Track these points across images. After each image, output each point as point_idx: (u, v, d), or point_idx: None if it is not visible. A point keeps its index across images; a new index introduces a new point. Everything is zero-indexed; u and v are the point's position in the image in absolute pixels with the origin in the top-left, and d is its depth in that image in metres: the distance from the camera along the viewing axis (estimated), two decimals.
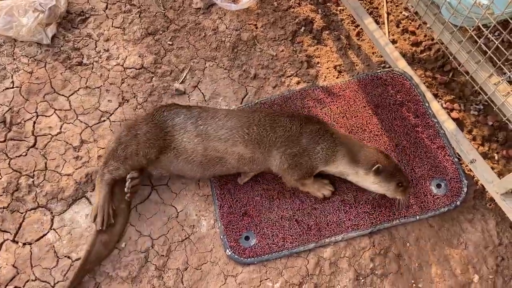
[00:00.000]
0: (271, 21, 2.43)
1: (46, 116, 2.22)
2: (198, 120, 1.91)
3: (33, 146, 2.15)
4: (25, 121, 2.20)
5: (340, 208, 1.98)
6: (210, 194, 2.06)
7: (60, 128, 2.19)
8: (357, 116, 2.14)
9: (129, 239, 1.98)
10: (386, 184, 1.87)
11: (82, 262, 1.86)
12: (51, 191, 2.05)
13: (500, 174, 2.07)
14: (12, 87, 2.28)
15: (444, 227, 2.00)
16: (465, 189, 1.98)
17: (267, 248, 1.92)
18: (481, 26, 1.68)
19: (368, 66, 2.34)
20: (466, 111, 2.24)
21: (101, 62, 2.34)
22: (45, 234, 1.98)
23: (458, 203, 1.97)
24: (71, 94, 2.27)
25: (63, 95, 2.27)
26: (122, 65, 2.33)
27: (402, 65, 2.18)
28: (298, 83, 2.28)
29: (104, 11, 2.50)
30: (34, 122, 2.20)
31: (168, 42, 2.39)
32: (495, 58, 1.76)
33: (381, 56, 2.35)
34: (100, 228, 1.90)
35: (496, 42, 1.62)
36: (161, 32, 2.42)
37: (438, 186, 2.00)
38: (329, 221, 1.96)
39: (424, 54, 2.39)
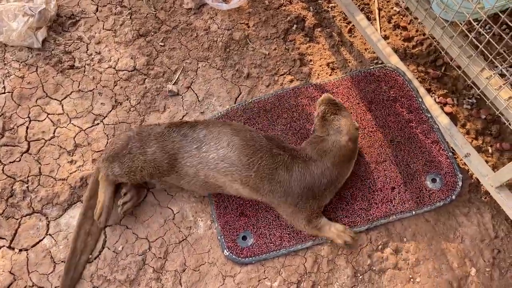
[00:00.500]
0: (263, 20, 2.43)
1: (39, 120, 2.21)
2: (202, 146, 1.87)
3: (27, 151, 2.14)
4: (17, 127, 2.19)
5: (337, 205, 1.98)
6: (206, 195, 2.05)
7: (54, 133, 2.18)
8: (351, 113, 2.14)
9: (126, 242, 1.98)
10: None
11: (69, 254, 1.89)
12: (46, 196, 2.04)
13: (495, 167, 2.08)
14: (4, 93, 2.27)
15: (440, 222, 2.01)
16: (460, 183, 1.99)
17: (264, 248, 1.92)
18: (472, 21, 1.69)
19: (360, 62, 2.34)
20: (459, 105, 2.25)
21: (93, 65, 2.33)
22: (41, 240, 1.97)
23: (453, 197, 1.97)
24: (64, 98, 2.26)
25: (55, 99, 2.25)
26: (114, 68, 2.31)
27: (394, 61, 2.18)
28: (291, 81, 2.27)
29: (95, 13, 2.48)
30: (27, 127, 2.19)
31: (160, 43, 2.38)
32: (486, 52, 1.76)
33: (374, 52, 2.35)
34: (103, 226, 1.95)
35: (487, 36, 1.62)
36: (152, 33, 2.41)
37: (433, 180, 2.01)
38: (326, 218, 1.96)
39: (416, 49, 2.39)
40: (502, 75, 2.04)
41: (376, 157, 2.05)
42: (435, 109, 2.06)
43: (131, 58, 2.33)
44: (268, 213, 1.98)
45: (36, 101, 2.25)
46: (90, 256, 1.95)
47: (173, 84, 2.28)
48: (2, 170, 2.08)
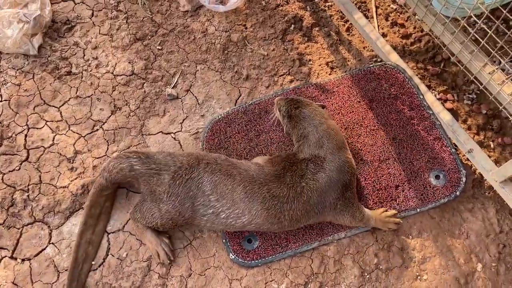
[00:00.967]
0: (260, 21, 2.42)
1: (37, 128, 2.18)
2: (220, 212, 1.81)
3: (26, 159, 2.11)
4: (16, 135, 2.16)
5: None
6: None
7: (53, 140, 2.16)
8: (353, 111, 2.14)
9: (130, 248, 1.95)
10: None
11: (72, 263, 1.87)
12: (47, 205, 2.01)
13: (497, 162, 2.08)
14: (1, 101, 2.24)
15: (445, 218, 2.00)
16: (464, 179, 1.99)
17: (270, 250, 1.91)
18: (473, 16, 1.69)
19: (360, 61, 2.34)
20: (460, 101, 2.25)
21: (90, 71, 2.30)
22: (44, 249, 1.95)
23: (457, 193, 1.97)
24: (62, 105, 2.23)
25: (53, 106, 2.23)
26: (112, 73, 2.29)
27: (394, 58, 2.18)
28: (291, 81, 2.26)
29: (90, 18, 2.46)
30: (26, 135, 2.16)
31: (158, 47, 2.36)
32: (488, 48, 1.76)
33: (372, 51, 2.35)
34: (170, 261, 1.92)
35: (490, 32, 1.62)
36: (149, 37, 2.39)
37: (437, 177, 2.00)
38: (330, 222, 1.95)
39: (415, 46, 2.39)
40: (504, 70, 2.04)
41: (379, 155, 2.05)
42: (436, 105, 2.06)
43: (129, 62, 2.31)
44: None
45: (34, 109, 2.22)
46: (93, 263, 1.93)
47: (172, 88, 2.26)
48: (2, 179, 2.06)
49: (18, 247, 1.95)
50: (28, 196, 2.03)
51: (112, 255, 1.95)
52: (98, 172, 2.08)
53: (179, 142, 2.15)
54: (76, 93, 2.26)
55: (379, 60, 2.31)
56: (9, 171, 2.08)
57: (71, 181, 2.06)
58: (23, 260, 1.93)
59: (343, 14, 2.45)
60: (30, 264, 1.92)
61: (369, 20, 2.36)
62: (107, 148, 2.15)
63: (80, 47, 2.37)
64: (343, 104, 2.15)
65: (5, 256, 1.93)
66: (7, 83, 2.27)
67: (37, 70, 2.30)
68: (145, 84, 2.27)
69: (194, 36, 2.38)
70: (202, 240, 1.97)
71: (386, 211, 1.94)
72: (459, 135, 2.00)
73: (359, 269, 1.90)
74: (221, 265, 1.93)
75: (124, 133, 2.18)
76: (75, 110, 2.22)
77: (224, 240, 1.95)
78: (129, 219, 2.00)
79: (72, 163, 2.11)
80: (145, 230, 1.91)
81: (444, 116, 2.03)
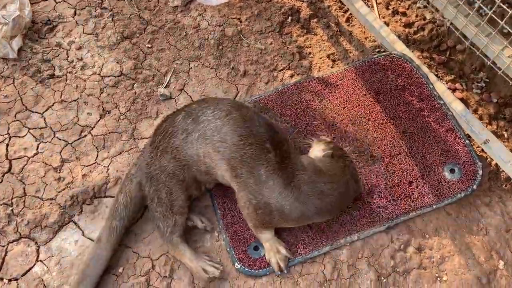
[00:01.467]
0: (255, 13, 2.28)
1: (19, 136, 2.01)
2: (200, 116, 1.71)
3: (8, 171, 1.94)
4: None
5: (353, 205, 1.84)
6: (211, 205, 1.89)
7: (37, 149, 1.99)
8: (359, 105, 2.01)
9: (127, 262, 1.80)
10: None
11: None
12: (33, 219, 1.84)
13: None
14: None
15: (461, 214, 1.88)
16: (481, 172, 1.87)
17: None
18: None
19: (362, 52, 2.21)
20: (469, 90, 2.14)
21: (75, 73, 2.14)
22: (32, 267, 1.78)
23: (474, 187, 1.85)
24: (45, 110, 2.07)
25: (36, 112, 2.06)
26: (99, 74, 2.13)
27: (400, 47, 2.06)
28: (291, 76, 2.13)
29: (73, 17, 2.30)
30: (7, 145, 1.99)
31: (147, 45, 2.21)
32: (508, 29, 1.64)
33: (375, 41, 2.23)
34: (220, 270, 1.76)
35: (510, 11, 1.51)
36: (138, 35, 2.24)
37: (452, 171, 1.88)
38: (342, 221, 1.82)
39: (418, 35, 2.28)
40: None
41: (390, 150, 1.92)
42: (447, 95, 1.94)
43: (117, 62, 2.16)
44: None
45: (15, 116, 2.05)
46: None
47: (164, 88, 2.11)
48: None
49: (4, 266, 1.78)
50: (12, 210, 1.86)
51: (107, 271, 1.79)
52: (88, 181, 1.93)
53: None
54: (60, 97, 2.09)
55: (383, 50, 2.19)
56: None
57: (59, 192, 1.90)
58: (9, 280, 1.76)
59: (342, 4, 2.33)
60: (18, 284, 1.75)
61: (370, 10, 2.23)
62: (97, 155, 1.99)
63: (63, 48, 2.21)
64: (348, 97, 2.03)
65: None
66: None
67: (17, 74, 2.13)
68: (135, 84, 2.12)
69: (185, 32, 2.24)
70: (204, 250, 1.82)
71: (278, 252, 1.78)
72: (473, 126, 1.88)
73: (375, 273, 1.77)
74: (226, 276, 1.78)
75: (114, 138, 2.02)
76: (60, 115, 2.05)
77: (228, 249, 1.80)
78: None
79: (59, 172, 1.94)
80: (182, 248, 1.76)
81: (456, 106, 1.92)
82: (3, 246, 1.81)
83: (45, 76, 2.13)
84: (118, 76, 2.13)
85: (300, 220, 1.71)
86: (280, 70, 2.15)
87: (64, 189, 1.91)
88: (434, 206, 1.84)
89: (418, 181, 1.87)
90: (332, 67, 2.16)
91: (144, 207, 1.85)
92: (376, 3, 2.36)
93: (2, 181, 1.91)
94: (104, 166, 1.97)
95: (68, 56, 2.18)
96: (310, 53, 2.19)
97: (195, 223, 1.84)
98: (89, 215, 1.87)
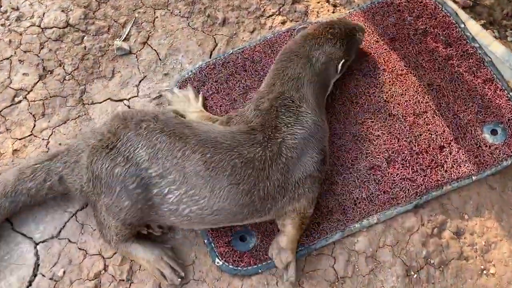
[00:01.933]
0: None
1: None
2: (168, 195, 1.21)
3: None
4: None
5: (369, 177, 1.40)
6: None
7: None
8: (370, 54, 1.58)
9: (70, 262, 1.34)
10: None
11: None
12: None
13: None
14: None
15: (508, 187, 1.46)
16: None
17: None
18: None
19: None
20: (502, 38, 1.73)
21: (8, 25, 1.68)
22: None
23: None
24: None
25: None
26: (39, 25, 1.68)
27: None
28: (283, 22, 1.70)
29: None
30: None
31: None
32: None
33: None
34: (181, 278, 1.30)
35: None
36: None
37: (493, 132, 1.46)
38: (356, 198, 1.38)
39: None
40: None
41: (413, 107, 1.49)
42: (483, 35, 1.53)
43: (62, 11, 1.70)
44: None
45: None
46: None
47: (122, 41, 1.66)
48: None
49: None
50: None
51: (43, 275, 1.32)
52: (20, 158, 1.46)
53: None
54: None
55: None
56: None
57: None
58: None
59: None
60: None
61: None
62: (34, 125, 1.53)
63: None
64: None
65: None
66: None
67: None
68: (85, 38, 1.67)
69: None
70: (175, 243, 1.36)
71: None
72: None
73: (402, 267, 1.33)
74: (204, 277, 1.32)
75: (57, 103, 1.56)
76: None
77: (205, 241, 1.34)
78: (68, 221, 1.39)
79: None
80: (132, 246, 1.29)
81: (496, 49, 1.50)
82: None
83: None
84: (63, 28, 1.68)
85: None
86: (268, 16, 1.71)
87: None
88: (473, 178, 1.41)
89: (452, 145, 1.44)
90: (333, 12, 1.73)
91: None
92: None
93: None
94: (43, 139, 1.51)
95: (0, 6, 1.72)
96: None
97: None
98: None
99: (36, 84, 1.59)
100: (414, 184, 1.38)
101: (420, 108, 1.49)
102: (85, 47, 1.65)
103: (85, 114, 1.55)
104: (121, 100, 1.58)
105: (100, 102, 1.57)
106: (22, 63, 1.62)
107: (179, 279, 1.29)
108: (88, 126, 1.51)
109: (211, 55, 1.65)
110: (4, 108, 1.55)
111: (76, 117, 1.55)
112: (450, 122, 1.47)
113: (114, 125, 1.23)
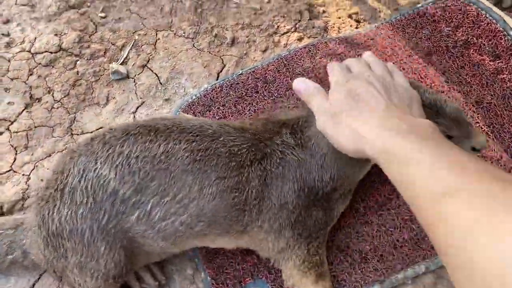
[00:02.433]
0: None
1: None
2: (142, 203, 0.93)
3: None
4: None
5: (413, 214, 1.12)
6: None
7: None
8: (403, 69, 1.35)
9: None
10: None
11: None
12: None
13: None
14: None
15: None
16: None
17: None
18: None
19: (396, 11, 1.59)
20: None
21: None
22: None
23: None
24: None
25: None
26: (29, 50, 1.52)
27: None
28: (299, 39, 1.49)
29: None
30: None
31: (100, 15, 1.61)
32: None
33: None
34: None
35: None
36: (88, 4, 1.64)
37: None
38: (397, 240, 1.10)
39: None
40: None
41: None
42: None
43: (55, 35, 1.54)
44: None
45: None
46: None
47: (120, 64, 1.48)
48: None
49: None
50: None
51: None
52: None
53: None
54: None
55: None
56: None
57: None
58: None
59: None
60: None
61: None
62: (14, 159, 1.32)
63: None
64: (385, 60, 1.37)
65: None
66: None
67: None
68: (78, 62, 1.49)
69: None
70: None
71: None
72: None
73: None
74: None
75: (43, 133, 1.36)
76: None
77: None
78: (39, 278, 1.15)
79: None
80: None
81: None
82: None
83: None
84: (55, 52, 1.51)
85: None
86: (283, 34, 1.51)
87: None
88: None
89: None
90: (356, 27, 1.53)
91: None
92: None
93: None
94: (23, 174, 1.30)
95: None
96: (324, 12, 1.57)
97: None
98: None
99: (21, 113, 1.40)
100: None
101: None
102: (77, 72, 1.47)
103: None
104: None
105: (91, 132, 1.37)
106: (8, 91, 1.45)
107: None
108: None
109: (218, 77, 1.44)
110: None
111: (63, 149, 1.34)
112: (507, 146, 1.20)
113: (60, 162, 0.95)
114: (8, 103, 1.43)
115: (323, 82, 1.32)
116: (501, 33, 1.33)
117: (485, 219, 0.54)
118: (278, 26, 1.52)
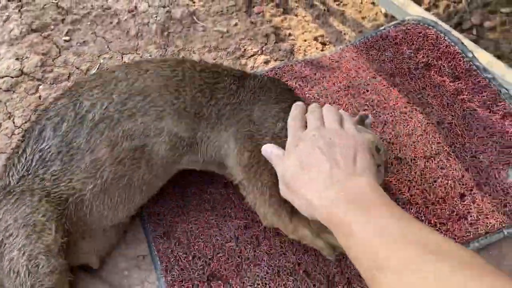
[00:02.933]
0: None
1: None
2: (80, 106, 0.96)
3: None
4: None
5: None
6: (147, 254, 1.16)
7: None
8: (367, 91, 1.37)
9: None
10: None
11: None
12: None
13: None
14: None
15: None
16: None
17: None
18: None
19: (361, 33, 1.63)
20: None
21: None
22: None
23: None
24: None
25: None
26: None
27: (416, 11, 1.47)
28: (266, 62, 1.51)
29: None
30: None
31: (64, 38, 1.59)
32: None
33: (375, 20, 1.66)
34: None
35: None
36: (52, 27, 1.62)
37: None
38: (343, 269, 1.10)
39: (432, 12, 1.72)
40: None
41: (423, 149, 1.26)
42: (496, 65, 1.33)
43: (17, 59, 1.52)
44: (260, 266, 1.09)
45: None
46: None
47: None
48: None
49: None
50: None
51: None
52: None
53: None
54: None
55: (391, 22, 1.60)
56: None
57: None
58: None
59: None
60: None
61: None
62: None
63: None
64: (350, 82, 1.40)
65: None
66: None
67: None
68: (41, 86, 1.47)
69: (118, 19, 1.63)
70: None
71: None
72: None
73: None
74: None
75: (2, 161, 1.32)
76: None
77: None
78: None
79: None
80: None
81: None
82: None
83: None
84: (16, 77, 1.48)
85: None
86: (250, 56, 1.52)
87: None
88: (505, 232, 1.15)
89: (474, 192, 1.19)
90: (322, 50, 1.55)
91: None
92: None
93: None
94: None
95: None
96: (290, 34, 1.59)
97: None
98: None
99: None
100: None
101: (432, 150, 1.25)
102: (40, 97, 1.44)
103: None
104: None
105: None
106: None
107: None
108: None
109: None
110: None
111: None
112: (468, 165, 1.23)
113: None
114: None
115: None
116: (460, 55, 1.38)
117: None
118: (245, 49, 1.54)
